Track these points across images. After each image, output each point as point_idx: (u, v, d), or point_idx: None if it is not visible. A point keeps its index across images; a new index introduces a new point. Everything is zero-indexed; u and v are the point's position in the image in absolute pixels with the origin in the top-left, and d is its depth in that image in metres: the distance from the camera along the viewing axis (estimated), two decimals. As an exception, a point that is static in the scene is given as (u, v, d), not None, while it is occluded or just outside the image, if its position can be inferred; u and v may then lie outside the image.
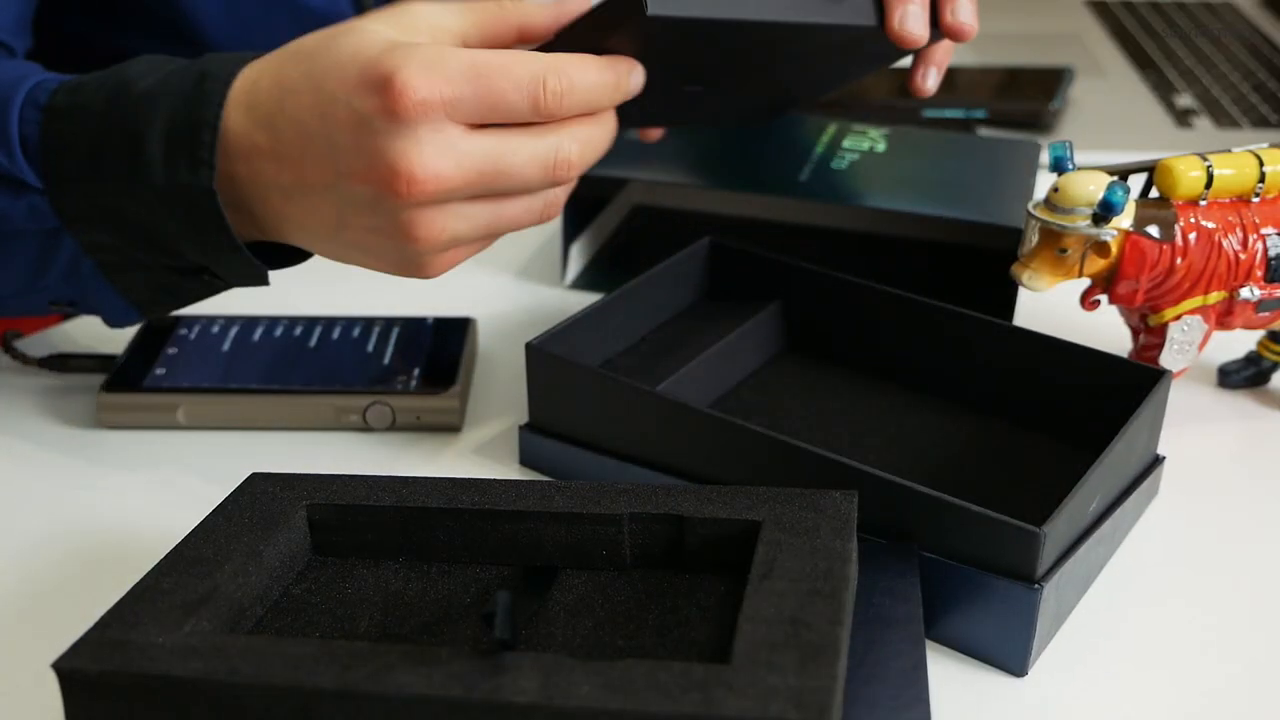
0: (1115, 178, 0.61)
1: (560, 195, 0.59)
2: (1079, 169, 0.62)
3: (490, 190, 0.55)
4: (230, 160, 0.56)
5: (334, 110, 0.53)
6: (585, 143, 0.57)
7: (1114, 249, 0.61)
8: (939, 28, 0.65)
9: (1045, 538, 0.50)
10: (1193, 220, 0.63)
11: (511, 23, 0.60)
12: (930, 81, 0.71)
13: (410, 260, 0.56)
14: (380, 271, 0.58)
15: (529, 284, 0.82)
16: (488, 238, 0.57)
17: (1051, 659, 0.54)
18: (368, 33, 0.55)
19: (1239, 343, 0.72)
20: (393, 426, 0.67)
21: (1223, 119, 1.07)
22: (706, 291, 0.73)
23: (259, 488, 0.54)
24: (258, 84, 0.56)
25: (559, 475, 0.64)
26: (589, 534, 0.52)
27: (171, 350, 0.70)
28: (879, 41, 0.64)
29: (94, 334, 0.76)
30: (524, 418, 0.65)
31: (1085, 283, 0.64)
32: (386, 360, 0.69)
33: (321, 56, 0.55)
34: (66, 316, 0.83)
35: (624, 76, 0.58)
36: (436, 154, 0.53)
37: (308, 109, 0.54)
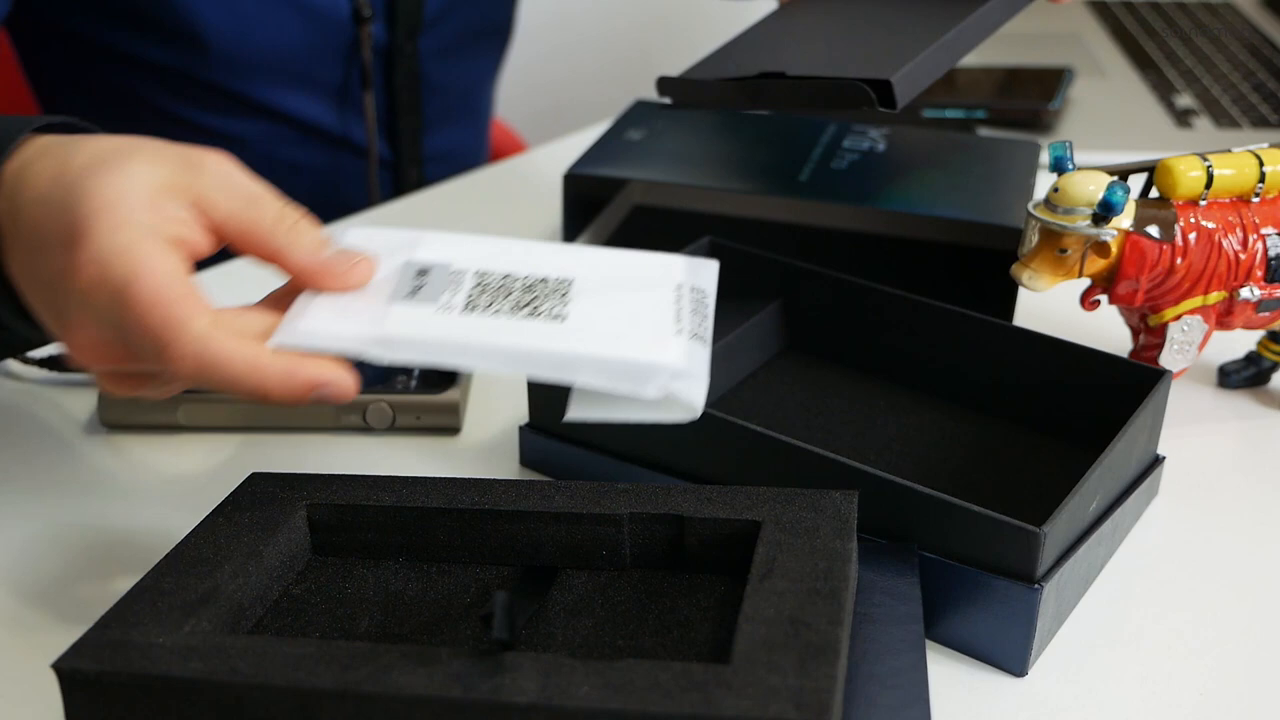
0: (1115, 178, 0.61)
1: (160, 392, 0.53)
2: (1079, 169, 0.62)
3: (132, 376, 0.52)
4: None
5: (47, 256, 0.50)
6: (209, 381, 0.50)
7: (1114, 249, 0.61)
8: None
9: (1045, 538, 0.50)
10: (1193, 220, 0.63)
11: (269, 244, 0.52)
12: None
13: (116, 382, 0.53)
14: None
15: (529, 284, 0.82)
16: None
17: (1051, 659, 0.53)
18: (109, 188, 0.50)
19: (1239, 343, 0.72)
20: (393, 426, 0.67)
21: (1223, 119, 1.07)
22: (706, 291, 0.73)
23: (259, 488, 0.54)
24: (25, 167, 0.53)
25: (559, 475, 0.64)
26: (589, 534, 0.52)
27: (171, 350, 0.70)
28: None
29: (94, 334, 0.76)
30: (524, 418, 0.65)
31: (1085, 283, 0.64)
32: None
33: (71, 189, 0.50)
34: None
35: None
36: (91, 349, 0.50)
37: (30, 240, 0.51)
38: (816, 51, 0.74)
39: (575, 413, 0.50)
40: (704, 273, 0.55)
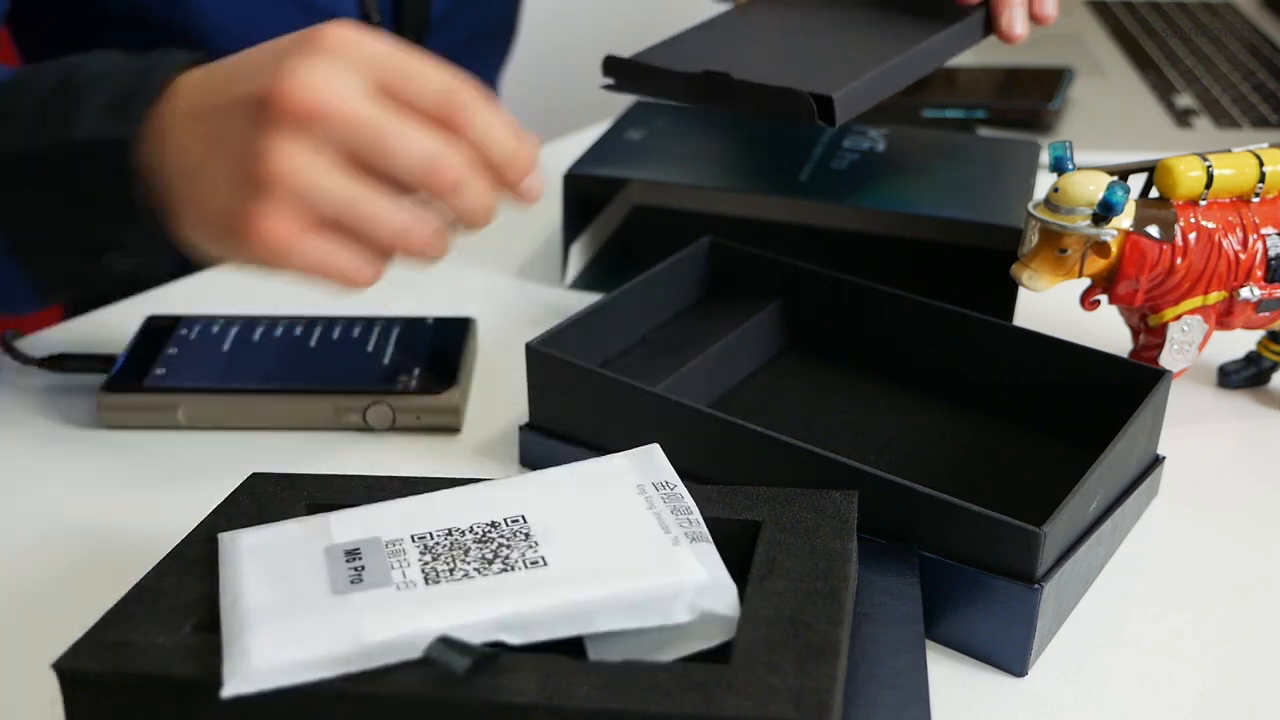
0: (1115, 178, 0.61)
1: (423, 228, 0.53)
2: (1079, 169, 0.62)
3: (362, 152, 0.52)
4: (156, 133, 0.55)
5: (261, 49, 0.54)
6: (468, 175, 0.53)
7: (1114, 249, 0.61)
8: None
9: (1045, 538, 0.50)
10: (1193, 220, 0.63)
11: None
12: (1019, 26, 0.76)
13: (242, 204, 0.52)
14: (219, 238, 0.55)
15: (529, 284, 0.82)
16: (331, 223, 0.53)
17: (1051, 659, 0.53)
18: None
19: (1239, 343, 0.72)
20: (393, 426, 0.67)
21: (1223, 119, 1.07)
22: (706, 291, 0.73)
23: (259, 488, 0.54)
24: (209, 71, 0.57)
25: (559, 475, 0.64)
26: (589, 535, 0.51)
27: (171, 350, 0.70)
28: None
29: (94, 334, 0.76)
30: (524, 418, 0.65)
31: (1085, 283, 0.64)
32: (386, 360, 0.69)
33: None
34: (71, 314, 0.83)
35: (525, 157, 0.55)
36: (329, 78, 0.51)
37: (239, 58, 0.55)
38: (765, 57, 0.73)
39: (596, 656, 0.45)
40: (654, 463, 0.52)
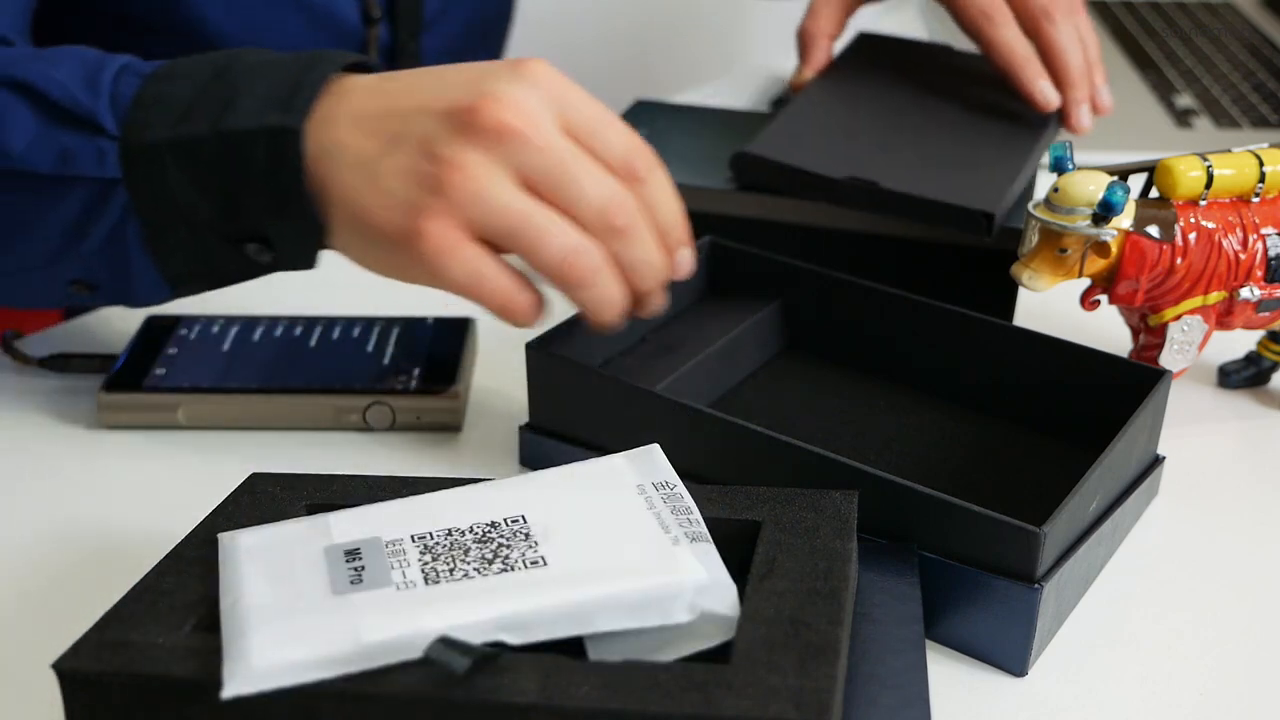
0: (1115, 178, 0.61)
1: (587, 257, 0.55)
2: (1079, 169, 0.62)
3: (546, 179, 0.54)
4: (322, 125, 0.56)
5: (457, 67, 0.57)
6: (641, 224, 0.56)
7: (1114, 249, 0.61)
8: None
9: (1045, 538, 0.50)
10: (1193, 220, 0.63)
11: None
12: (1086, 120, 0.84)
13: (413, 202, 0.54)
14: (376, 236, 0.56)
15: (529, 284, 0.82)
16: (498, 241, 0.55)
17: (1051, 659, 0.54)
18: None
19: (1239, 343, 0.72)
20: (393, 426, 0.67)
21: (1223, 119, 1.07)
22: (706, 291, 0.73)
23: (259, 488, 0.54)
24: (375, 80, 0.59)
25: (559, 475, 0.64)
26: (589, 535, 0.51)
27: (171, 350, 0.70)
28: None
29: (94, 334, 0.76)
30: (524, 418, 0.65)
31: (1085, 283, 0.64)
32: (386, 360, 0.69)
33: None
34: (70, 314, 0.83)
35: (685, 229, 0.59)
36: (531, 104, 0.54)
37: (424, 71, 0.58)
38: (903, 159, 0.76)
39: (596, 656, 0.45)
40: (654, 463, 0.51)
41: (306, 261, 0.60)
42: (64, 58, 0.61)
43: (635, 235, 0.56)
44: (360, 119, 0.56)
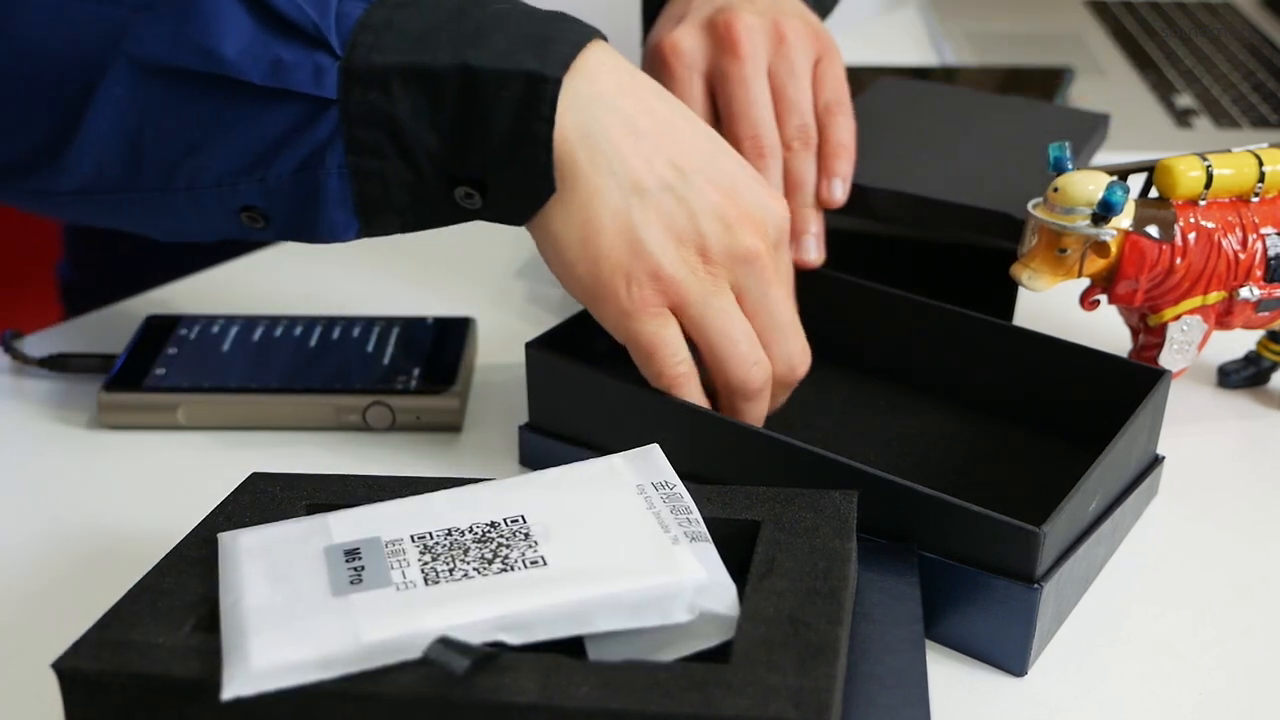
0: (1115, 178, 0.61)
1: (760, 402, 0.60)
2: (1079, 169, 0.62)
3: (753, 304, 0.59)
4: (577, 86, 0.56)
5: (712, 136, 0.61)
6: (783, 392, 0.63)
7: (1114, 249, 0.61)
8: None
9: (1045, 538, 0.50)
10: (1192, 220, 0.63)
11: None
12: (839, 193, 0.72)
13: (653, 274, 0.57)
14: (593, 253, 0.57)
15: (529, 284, 0.82)
16: (702, 334, 0.58)
17: (1051, 659, 0.54)
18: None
19: (1239, 343, 0.72)
20: (393, 426, 0.67)
21: (1222, 119, 1.07)
22: (706, 291, 0.73)
23: (259, 488, 0.54)
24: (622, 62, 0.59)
25: (559, 475, 0.64)
26: (589, 535, 0.51)
27: (171, 350, 0.70)
28: None
29: (94, 334, 0.76)
30: (524, 418, 0.65)
31: (1085, 283, 0.64)
32: (386, 360, 0.69)
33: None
34: (70, 314, 0.83)
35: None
36: (768, 223, 0.60)
37: (675, 108, 0.60)
38: (942, 173, 0.74)
39: (596, 656, 0.45)
40: (654, 463, 0.52)
41: (517, 216, 0.58)
42: None
43: (771, 399, 0.62)
44: (629, 122, 0.57)
